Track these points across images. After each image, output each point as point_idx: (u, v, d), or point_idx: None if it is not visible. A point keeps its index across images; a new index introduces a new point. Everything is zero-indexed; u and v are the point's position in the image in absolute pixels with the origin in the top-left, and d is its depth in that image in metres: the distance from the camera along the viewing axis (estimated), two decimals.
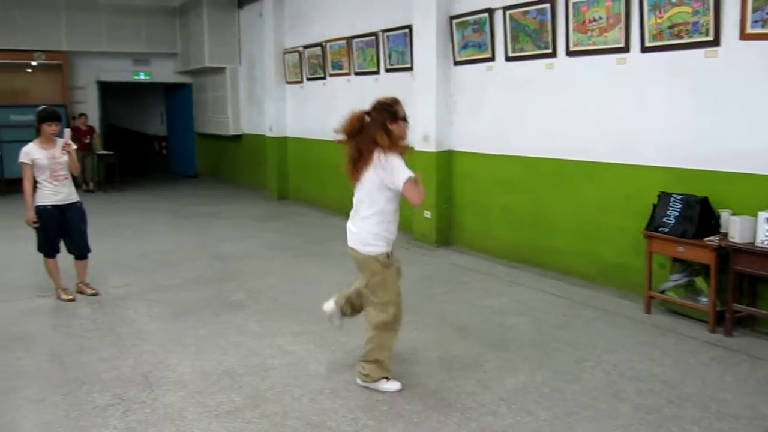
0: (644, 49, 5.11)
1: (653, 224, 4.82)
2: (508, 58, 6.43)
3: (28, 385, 3.75)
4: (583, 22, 5.56)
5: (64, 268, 5.56)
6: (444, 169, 7.28)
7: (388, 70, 8.27)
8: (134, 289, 5.72)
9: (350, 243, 3.59)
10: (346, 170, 3.57)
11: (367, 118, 3.47)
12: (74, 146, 5.37)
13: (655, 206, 4.87)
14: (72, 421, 3.32)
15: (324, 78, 9.82)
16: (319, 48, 9.74)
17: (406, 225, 6.96)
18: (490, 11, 6.48)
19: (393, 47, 8.08)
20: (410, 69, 7.73)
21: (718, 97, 4.69)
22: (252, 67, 12.30)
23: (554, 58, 5.92)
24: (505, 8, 6.28)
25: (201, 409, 3.42)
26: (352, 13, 8.95)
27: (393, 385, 3.61)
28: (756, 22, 4.33)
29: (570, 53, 5.75)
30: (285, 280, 6.00)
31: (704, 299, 4.55)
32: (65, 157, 5.29)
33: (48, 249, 5.40)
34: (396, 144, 3.45)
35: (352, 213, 3.62)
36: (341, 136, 3.51)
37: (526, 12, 6.08)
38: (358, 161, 3.46)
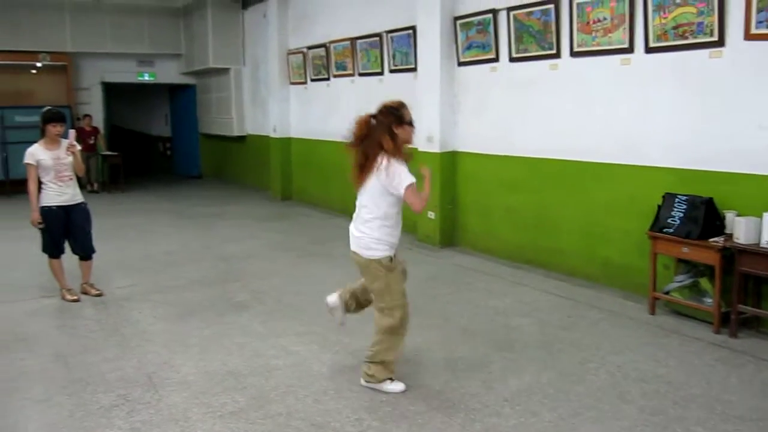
0: (649, 50, 5.10)
1: (658, 225, 4.81)
2: (512, 59, 6.42)
3: (32, 386, 3.76)
4: (588, 22, 5.55)
5: (69, 268, 5.58)
6: (448, 170, 7.27)
7: (392, 71, 8.27)
8: (138, 290, 5.73)
9: (353, 247, 3.59)
10: (351, 175, 3.56)
11: (373, 122, 3.47)
12: (79, 147, 5.37)
13: (659, 207, 4.85)
14: (76, 422, 3.32)
15: (328, 79, 9.83)
16: (323, 49, 9.74)
17: (410, 226, 6.97)
18: (494, 12, 6.48)
19: (397, 48, 8.08)
20: (414, 70, 7.72)
21: (722, 97, 4.67)
22: (256, 67, 12.31)
23: (558, 59, 5.91)
24: (509, 9, 6.28)
25: (205, 410, 3.43)
26: (356, 13, 8.95)
27: (397, 386, 3.61)
28: (761, 22, 4.32)
29: (574, 54, 5.74)
30: (289, 281, 6.01)
31: (709, 300, 4.54)
32: (70, 158, 5.30)
33: (53, 250, 5.41)
34: (400, 149, 3.45)
35: (354, 216, 3.62)
36: (351, 143, 3.51)
37: (530, 13, 6.07)
38: (364, 166, 3.46)
